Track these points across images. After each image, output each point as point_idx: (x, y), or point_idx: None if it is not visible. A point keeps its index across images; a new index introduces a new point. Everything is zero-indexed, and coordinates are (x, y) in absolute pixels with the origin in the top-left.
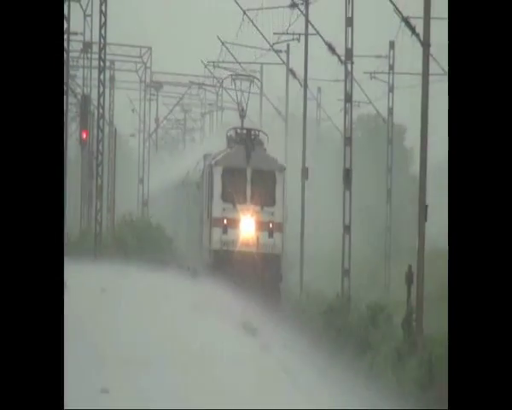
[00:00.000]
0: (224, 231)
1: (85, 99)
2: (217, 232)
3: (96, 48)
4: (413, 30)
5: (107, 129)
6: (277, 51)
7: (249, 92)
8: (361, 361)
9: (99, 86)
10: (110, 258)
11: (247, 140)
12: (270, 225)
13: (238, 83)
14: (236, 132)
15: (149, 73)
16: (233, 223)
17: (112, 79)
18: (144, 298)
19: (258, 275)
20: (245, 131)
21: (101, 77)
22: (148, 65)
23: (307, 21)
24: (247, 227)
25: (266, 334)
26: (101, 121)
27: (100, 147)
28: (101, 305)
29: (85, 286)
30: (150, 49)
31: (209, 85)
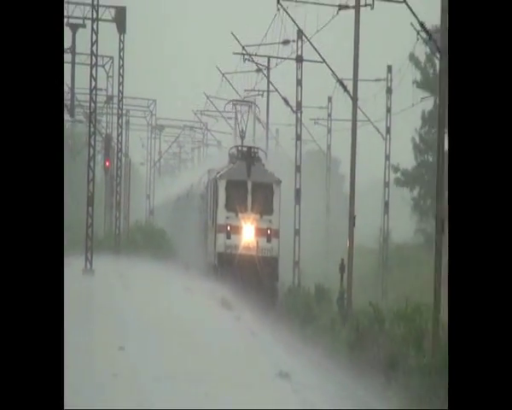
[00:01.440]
0: (228, 236)
1: (108, 137)
2: (221, 237)
3: (115, 100)
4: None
5: (123, 159)
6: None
7: (248, 115)
8: (307, 329)
9: (118, 128)
10: (125, 253)
11: (247, 156)
12: (268, 232)
13: (238, 108)
14: (238, 150)
15: (154, 119)
16: (235, 229)
17: (127, 123)
18: (149, 281)
19: (258, 275)
20: (246, 149)
21: (120, 121)
22: (154, 113)
23: (268, 82)
24: (248, 233)
25: (240, 309)
26: (119, 154)
27: (118, 172)
28: (119, 285)
29: (108, 272)
30: (155, 101)
31: (197, 128)
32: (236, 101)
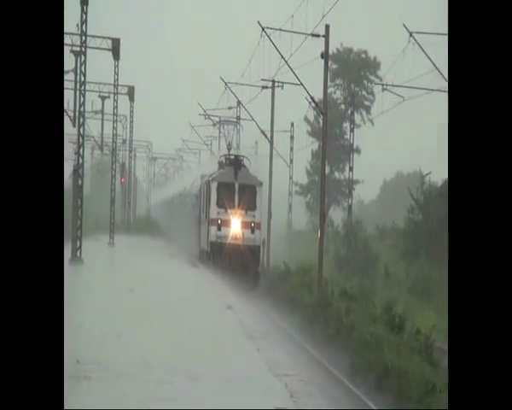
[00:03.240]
0: (219, 228)
1: (123, 164)
2: (213, 229)
3: (128, 142)
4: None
5: (132, 178)
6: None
7: (234, 132)
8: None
9: (128, 159)
10: (133, 233)
11: (234, 163)
12: (252, 224)
13: (226, 126)
14: (226, 158)
15: (150, 154)
16: (225, 223)
17: (134, 156)
18: (146, 249)
19: (243, 260)
20: (233, 157)
21: (130, 155)
22: (150, 149)
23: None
24: (236, 226)
25: (204, 269)
26: (130, 174)
27: (129, 185)
28: (128, 251)
29: (122, 244)
30: (151, 143)
31: (176, 158)
32: (224, 121)
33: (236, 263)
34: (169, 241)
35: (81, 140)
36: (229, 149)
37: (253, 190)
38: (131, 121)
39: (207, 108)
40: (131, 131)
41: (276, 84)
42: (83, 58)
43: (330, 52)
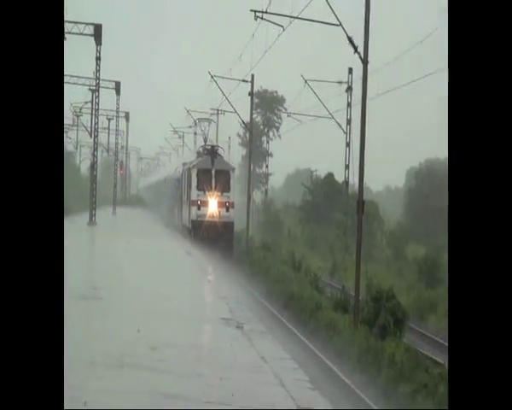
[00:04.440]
0: (198, 208)
1: (122, 163)
2: (194, 209)
3: (125, 148)
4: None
5: (127, 170)
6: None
7: (209, 127)
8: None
9: (125, 159)
10: (128, 206)
11: (211, 152)
12: (227, 204)
13: (203, 123)
14: (204, 148)
15: (139, 156)
16: (204, 203)
17: (129, 156)
18: (137, 216)
19: (220, 234)
20: (210, 147)
21: (126, 156)
22: (139, 152)
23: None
24: (213, 206)
25: (172, 229)
26: (126, 168)
27: (126, 176)
28: (125, 216)
29: (121, 213)
30: (140, 148)
31: (156, 159)
32: (201, 119)
33: (214, 236)
34: (151, 211)
35: (95, 146)
36: (205, 142)
37: (227, 174)
38: (127, 135)
39: (178, 126)
40: (127, 142)
41: (220, 112)
42: (96, 94)
43: (255, 91)
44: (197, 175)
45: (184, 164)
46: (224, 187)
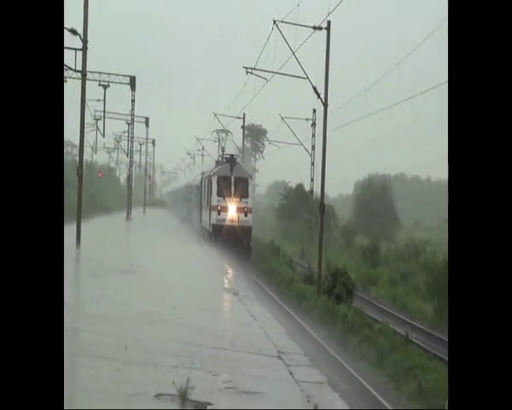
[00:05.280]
0: (219, 213)
1: (150, 176)
2: (214, 214)
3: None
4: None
5: (153, 182)
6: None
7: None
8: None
9: (152, 173)
10: (153, 207)
11: (230, 160)
12: (245, 209)
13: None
14: (223, 157)
15: (162, 170)
16: (224, 208)
17: (154, 171)
18: (161, 215)
19: (239, 238)
20: (229, 156)
21: (153, 171)
22: (162, 167)
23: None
24: (232, 211)
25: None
26: (152, 180)
27: (152, 185)
28: (152, 215)
29: (148, 212)
30: (162, 165)
31: (173, 172)
32: (219, 130)
33: (233, 240)
34: (171, 211)
35: (130, 164)
36: (223, 151)
37: (245, 181)
38: (154, 156)
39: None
40: (153, 160)
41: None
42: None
43: (246, 124)
44: (217, 182)
45: (203, 173)
46: (243, 193)
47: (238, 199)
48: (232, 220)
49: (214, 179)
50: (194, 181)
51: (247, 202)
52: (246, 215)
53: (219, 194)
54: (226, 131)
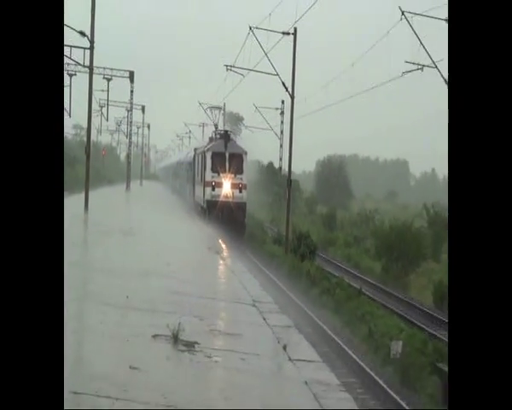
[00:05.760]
0: (213, 189)
1: (145, 154)
2: (208, 190)
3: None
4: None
5: (148, 159)
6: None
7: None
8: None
9: (147, 152)
10: (148, 180)
11: (225, 136)
12: (240, 186)
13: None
14: (217, 133)
15: (156, 149)
16: (218, 184)
17: (149, 150)
18: (155, 186)
19: (233, 214)
20: (223, 132)
21: (148, 150)
22: (156, 147)
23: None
24: (227, 187)
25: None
26: (148, 157)
27: (148, 162)
28: (148, 186)
29: (145, 184)
30: (156, 145)
31: (165, 151)
32: (212, 106)
33: (227, 216)
34: (163, 184)
35: (129, 144)
36: (216, 128)
37: (240, 157)
38: (149, 137)
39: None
40: (148, 141)
41: (205, 125)
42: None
43: (226, 113)
44: (212, 158)
45: (196, 149)
46: (238, 169)
47: (233, 175)
48: (226, 196)
49: (209, 155)
50: (186, 157)
51: (241, 179)
52: (240, 191)
53: (214, 170)
54: (219, 107)
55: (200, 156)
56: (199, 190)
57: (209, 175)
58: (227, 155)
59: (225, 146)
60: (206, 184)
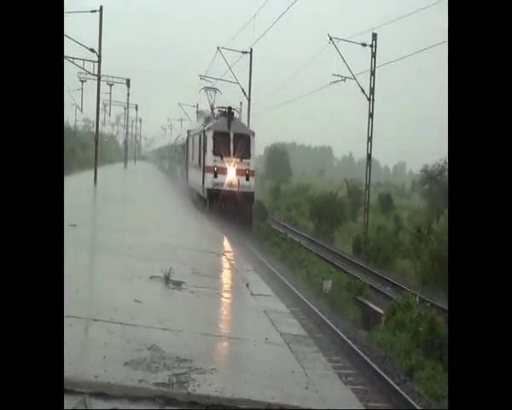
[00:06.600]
0: (215, 175)
1: (138, 142)
2: (209, 176)
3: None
4: None
5: (140, 144)
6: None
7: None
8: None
9: (139, 140)
10: (140, 160)
11: (228, 113)
12: (247, 172)
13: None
14: (219, 110)
15: (146, 137)
16: (221, 170)
17: (140, 138)
18: (145, 165)
19: (239, 205)
20: (226, 109)
21: (140, 138)
22: (146, 136)
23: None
24: (231, 173)
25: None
26: (139, 144)
27: (139, 147)
28: (140, 164)
29: (138, 163)
30: (147, 135)
31: (155, 138)
32: (208, 87)
33: (232, 209)
34: (152, 164)
35: (126, 133)
36: (212, 109)
37: (247, 139)
38: (141, 129)
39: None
40: (140, 131)
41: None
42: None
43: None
44: (213, 138)
45: (189, 131)
46: (244, 153)
47: (238, 159)
48: (231, 185)
49: (209, 135)
50: (176, 141)
51: (248, 164)
52: (247, 179)
53: (216, 152)
54: (215, 89)
55: (196, 137)
56: (196, 175)
57: (210, 159)
58: (231, 136)
59: (229, 125)
60: (206, 169)
